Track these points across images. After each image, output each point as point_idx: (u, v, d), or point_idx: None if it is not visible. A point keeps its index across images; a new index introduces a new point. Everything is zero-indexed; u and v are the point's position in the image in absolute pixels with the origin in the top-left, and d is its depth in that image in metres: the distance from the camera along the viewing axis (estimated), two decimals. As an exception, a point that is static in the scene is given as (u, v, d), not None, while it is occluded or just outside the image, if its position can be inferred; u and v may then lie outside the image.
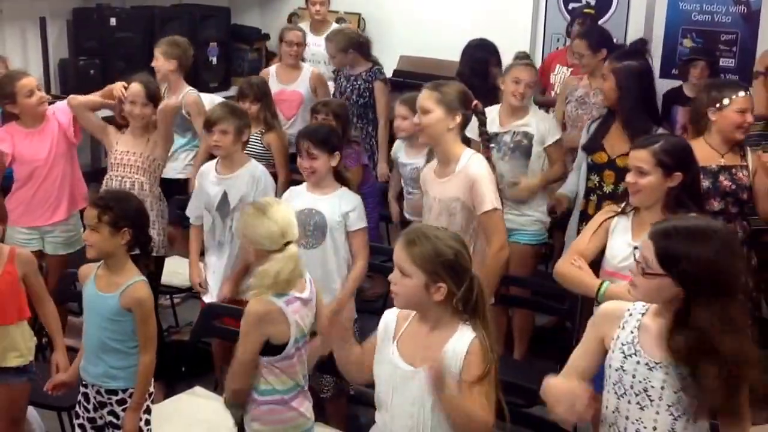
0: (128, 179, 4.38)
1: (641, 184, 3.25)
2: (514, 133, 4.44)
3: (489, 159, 3.81)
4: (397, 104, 4.82)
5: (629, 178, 3.28)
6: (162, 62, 5.28)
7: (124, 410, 3.24)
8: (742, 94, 3.93)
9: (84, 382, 3.31)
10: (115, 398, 3.25)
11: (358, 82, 5.85)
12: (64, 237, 4.52)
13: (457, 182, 3.62)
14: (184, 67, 5.40)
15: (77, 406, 3.35)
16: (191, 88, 5.46)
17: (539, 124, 4.57)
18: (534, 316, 4.73)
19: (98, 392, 3.26)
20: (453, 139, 3.66)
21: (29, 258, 3.50)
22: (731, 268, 2.34)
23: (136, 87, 4.40)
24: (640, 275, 2.38)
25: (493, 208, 3.59)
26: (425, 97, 3.65)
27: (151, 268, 3.44)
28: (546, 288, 4.41)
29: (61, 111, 4.55)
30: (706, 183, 3.87)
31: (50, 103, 4.61)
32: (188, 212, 4.37)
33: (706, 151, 3.91)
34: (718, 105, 3.91)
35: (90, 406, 3.30)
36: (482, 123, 3.87)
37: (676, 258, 2.31)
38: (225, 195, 4.15)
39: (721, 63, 6.23)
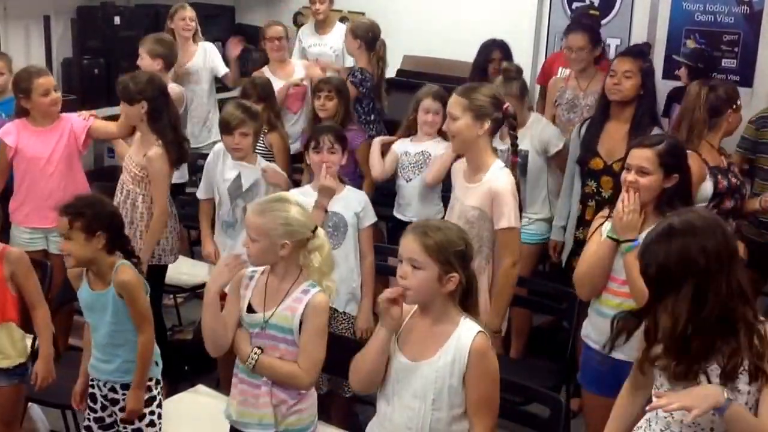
0: (124, 187, 4.35)
1: (641, 183, 3.24)
2: (508, 149, 4.33)
3: (515, 165, 3.78)
4: (430, 100, 4.64)
5: (629, 177, 3.26)
6: (148, 61, 5.37)
7: None
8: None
9: (92, 383, 3.31)
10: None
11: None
12: None
13: (481, 193, 3.60)
14: (170, 65, 5.50)
15: (86, 410, 3.35)
16: (174, 84, 5.53)
17: (538, 135, 4.57)
18: (531, 315, 4.75)
19: (112, 389, 3.26)
20: (483, 145, 3.62)
21: (18, 257, 3.42)
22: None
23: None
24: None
25: (510, 227, 3.56)
26: (453, 104, 3.59)
27: (140, 268, 3.37)
28: (544, 287, 4.43)
29: (77, 119, 4.57)
30: (724, 183, 3.93)
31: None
32: (198, 192, 4.45)
33: (713, 152, 4.00)
34: (734, 106, 4.01)
35: (97, 406, 3.30)
36: (512, 127, 3.82)
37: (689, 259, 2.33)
38: (239, 176, 4.22)
39: (723, 63, 6.24)
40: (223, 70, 6.31)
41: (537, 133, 4.60)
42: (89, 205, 3.21)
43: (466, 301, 2.67)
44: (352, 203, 3.95)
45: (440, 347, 2.61)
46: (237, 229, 4.20)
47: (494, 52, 5.71)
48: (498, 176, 3.59)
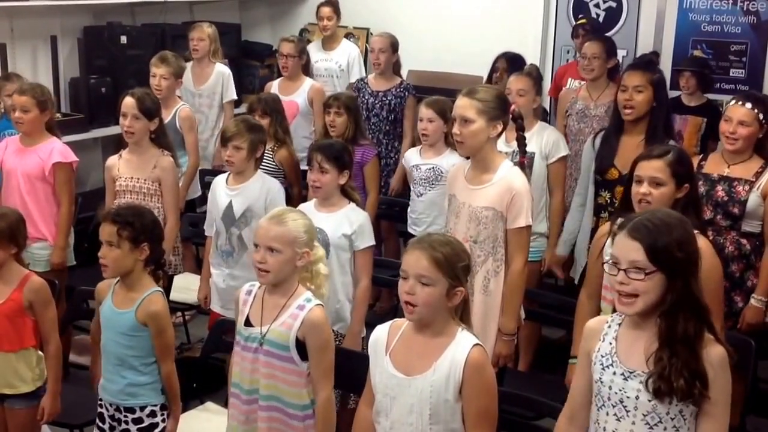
0: None
1: (655, 195, 3.17)
2: (514, 152, 4.18)
3: (523, 165, 3.76)
4: (423, 107, 4.75)
5: (642, 188, 3.19)
6: (157, 79, 5.38)
7: (138, 430, 3.23)
8: (732, 103, 3.99)
9: (100, 402, 3.30)
10: (131, 416, 3.23)
11: (388, 98, 5.81)
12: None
13: (494, 192, 3.55)
14: (177, 83, 5.50)
15: (94, 428, 3.34)
16: (184, 102, 5.55)
17: (543, 140, 4.54)
18: (539, 327, 4.71)
19: (117, 409, 3.24)
20: (492, 147, 3.60)
21: (39, 287, 3.45)
22: (696, 246, 2.39)
23: (127, 99, 4.42)
24: (636, 281, 2.31)
25: (527, 225, 3.54)
26: (465, 107, 3.50)
27: (165, 284, 3.42)
28: (552, 300, 4.40)
29: (58, 150, 4.50)
30: (702, 189, 3.87)
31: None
32: (205, 227, 4.38)
33: (716, 160, 4.00)
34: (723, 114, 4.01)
35: (105, 426, 3.29)
36: (520, 128, 3.82)
37: (666, 250, 2.29)
38: (230, 204, 4.16)
39: (731, 73, 6.25)
40: (228, 96, 6.18)
41: (541, 138, 4.56)
42: (137, 215, 3.22)
43: (463, 313, 2.65)
44: (343, 224, 3.80)
45: (435, 360, 2.58)
46: (236, 257, 4.17)
47: (499, 61, 5.74)
48: (513, 175, 3.57)
